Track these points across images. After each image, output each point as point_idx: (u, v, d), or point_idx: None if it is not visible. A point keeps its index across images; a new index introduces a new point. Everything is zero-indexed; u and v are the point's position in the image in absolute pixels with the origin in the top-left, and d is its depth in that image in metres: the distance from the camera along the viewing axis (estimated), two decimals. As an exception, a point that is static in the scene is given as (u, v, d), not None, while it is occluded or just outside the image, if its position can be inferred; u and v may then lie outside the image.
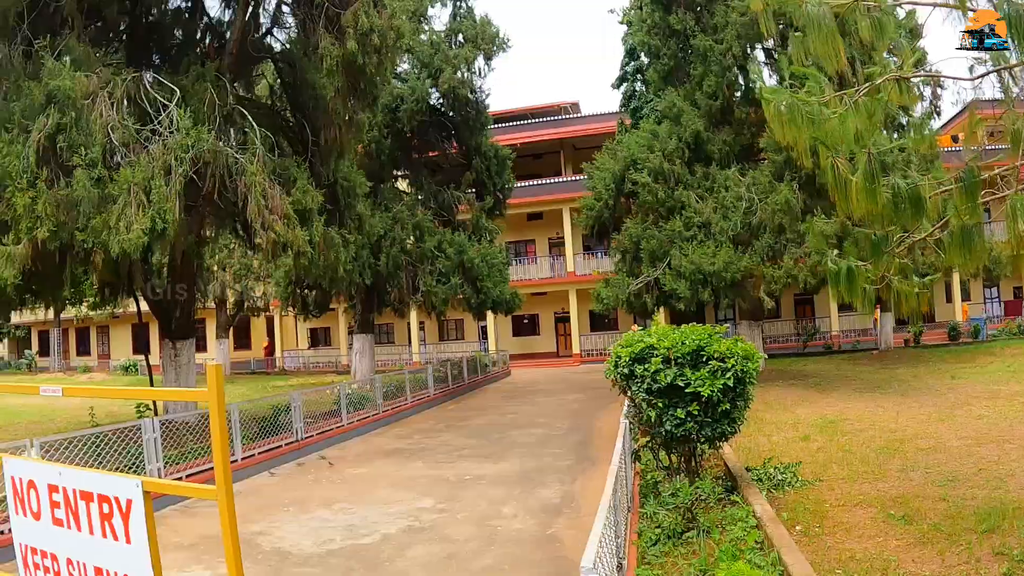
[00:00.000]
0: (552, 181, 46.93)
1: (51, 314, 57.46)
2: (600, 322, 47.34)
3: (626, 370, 10.31)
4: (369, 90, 18.75)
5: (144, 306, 20.40)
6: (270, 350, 54.89)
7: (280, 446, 17.06)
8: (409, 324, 48.69)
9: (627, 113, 42.46)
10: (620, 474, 7.94)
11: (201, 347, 53.69)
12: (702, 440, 10.27)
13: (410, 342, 49.72)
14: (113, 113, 13.57)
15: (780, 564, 7.61)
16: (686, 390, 9.73)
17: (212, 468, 10.36)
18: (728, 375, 9.66)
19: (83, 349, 61.99)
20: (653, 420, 10.05)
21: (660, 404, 9.91)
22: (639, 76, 42.27)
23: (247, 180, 14.23)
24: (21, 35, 14.43)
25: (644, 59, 38.67)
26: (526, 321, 49.72)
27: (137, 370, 49.47)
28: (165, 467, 13.51)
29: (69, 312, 56.83)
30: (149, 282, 17.00)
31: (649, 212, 28.38)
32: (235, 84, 17.33)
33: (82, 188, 12.64)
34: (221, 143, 14.34)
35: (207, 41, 19.71)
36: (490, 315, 40.86)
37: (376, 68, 17.25)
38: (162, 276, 19.27)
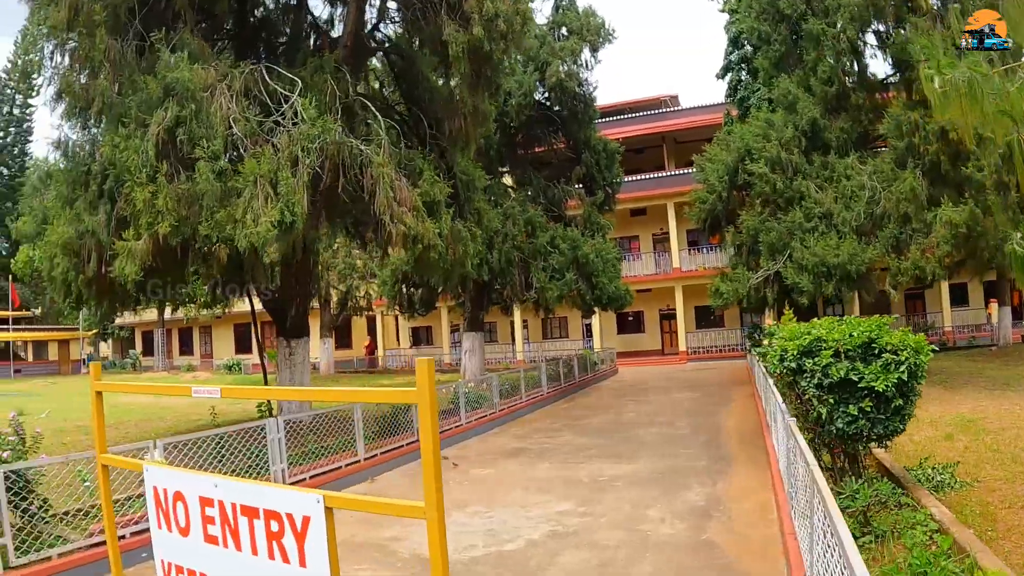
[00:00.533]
0: (655, 176, 46.19)
1: (155, 315, 58.75)
2: (706, 319, 46.51)
3: (794, 364, 9.66)
4: (494, 78, 18.31)
5: (257, 305, 20.42)
6: (371, 349, 55.13)
7: (401, 446, 16.68)
8: (513, 322, 48.47)
9: (733, 103, 41.52)
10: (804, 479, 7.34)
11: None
12: (873, 438, 9.61)
13: (513, 340, 49.51)
14: (232, 105, 13.37)
15: (979, 570, 6.98)
16: (859, 384, 9.08)
17: (336, 469, 10.09)
18: (902, 368, 8.99)
19: (185, 349, 63.16)
20: (823, 417, 9.41)
21: (831, 400, 9.28)
22: (743, 65, 41.34)
23: (374, 172, 13.90)
24: (133, 31, 14.36)
25: (748, 47, 37.90)
26: (631, 318, 48.99)
27: (240, 369, 50.06)
28: (288, 468, 13.23)
29: (175, 312, 58.02)
30: (266, 279, 16.72)
31: (766, 203, 27.60)
32: (350, 77, 17.07)
33: (205, 181, 12.46)
34: (344, 134, 14.06)
35: (312, 37, 19.53)
36: (597, 313, 40.38)
37: (503, 54, 16.85)
38: (274, 273, 19.26)
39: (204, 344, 62.47)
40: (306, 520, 3.21)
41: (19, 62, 79.33)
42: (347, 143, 13.92)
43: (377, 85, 21.49)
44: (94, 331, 68.23)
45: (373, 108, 15.38)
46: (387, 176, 13.95)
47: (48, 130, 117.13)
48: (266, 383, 20.82)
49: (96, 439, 4.72)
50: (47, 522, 9.36)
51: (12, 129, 79.02)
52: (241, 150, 13.02)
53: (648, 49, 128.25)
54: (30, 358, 64.61)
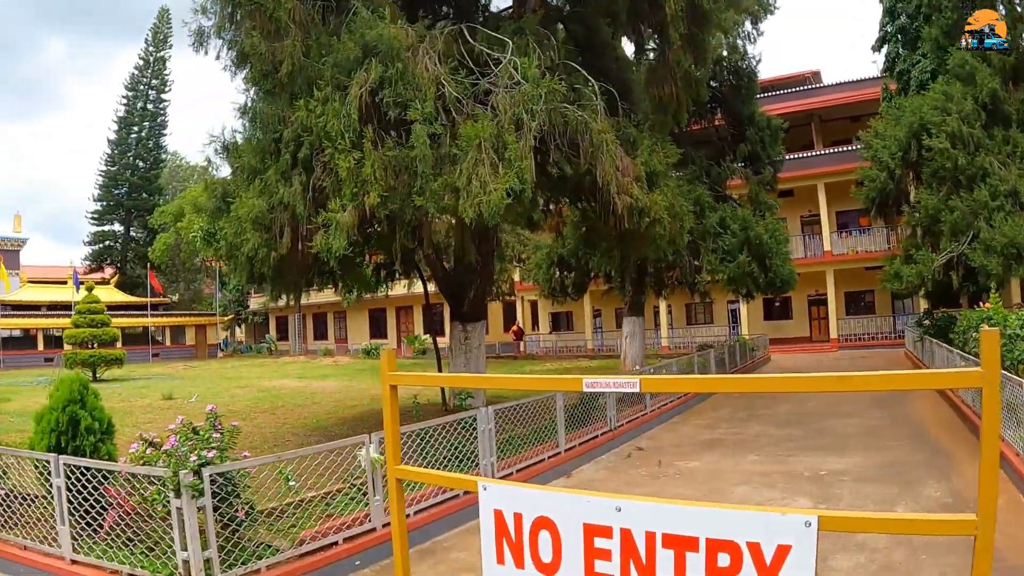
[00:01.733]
0: (804, 155, 43.42)
1: (287, 299, 58.43)
2: (856, 305, 43.94)
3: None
4: (705, 41, 16.41)
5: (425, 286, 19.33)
6: (519, 334, 53.77)
7: (596, 435, 15.29)
8: (657, 307, 46.67)
9: (890, 77, 38.78)
10: None
11: (440, 331, 53.25)
12: None
13: (657, 326, 47.66)
14: (437, 66, 11.83)
15: None
16: None
17: (539, 462, 8.83)
18: None
19: (319, 333, 62.94)
20: None
21: None
22: (899, 36, 38.57)
23: (594, 138, 12.20)
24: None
25: (905, 18, 35.30)
26: (777, 304, 46.43)
27: (378, 354, 49.24)
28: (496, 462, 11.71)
29: (316, 296, 57.59)
30: (472, 254, 15.29)
31: (944, 181, 25.23)
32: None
33: (422, 146, 10.92)
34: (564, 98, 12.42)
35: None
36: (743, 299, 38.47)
37: (724, 12, 15.04)
38: (448, 251, 17.90)
39: (338, 329, 62.23)
40: (782, 551, 2.42)
41: (151, 59, 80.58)
42: (565, 107, 12.23)
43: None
44: (230, 316, 68.79)
45: (584, 71, 13.62)
46: (608, 143, 12.26)
47: (176, 121, 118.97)
48: (440, 370, 19.47)
49: (389, 451, 4.13)
50: (250, 528, 8.01)
51: (147, 124, 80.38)
52: (453, 114, 11.47)
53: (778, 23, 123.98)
54: (167, 342, 65.22)
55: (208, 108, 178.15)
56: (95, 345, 38.65)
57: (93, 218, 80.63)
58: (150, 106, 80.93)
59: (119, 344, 40.16)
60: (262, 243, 11.49)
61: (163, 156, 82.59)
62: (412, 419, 16.92)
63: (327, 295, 57.91)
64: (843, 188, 41.06)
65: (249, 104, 13.23)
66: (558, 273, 29.79)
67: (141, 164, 79.78)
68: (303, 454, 8.72)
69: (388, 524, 8.91)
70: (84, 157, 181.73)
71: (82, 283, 56.36)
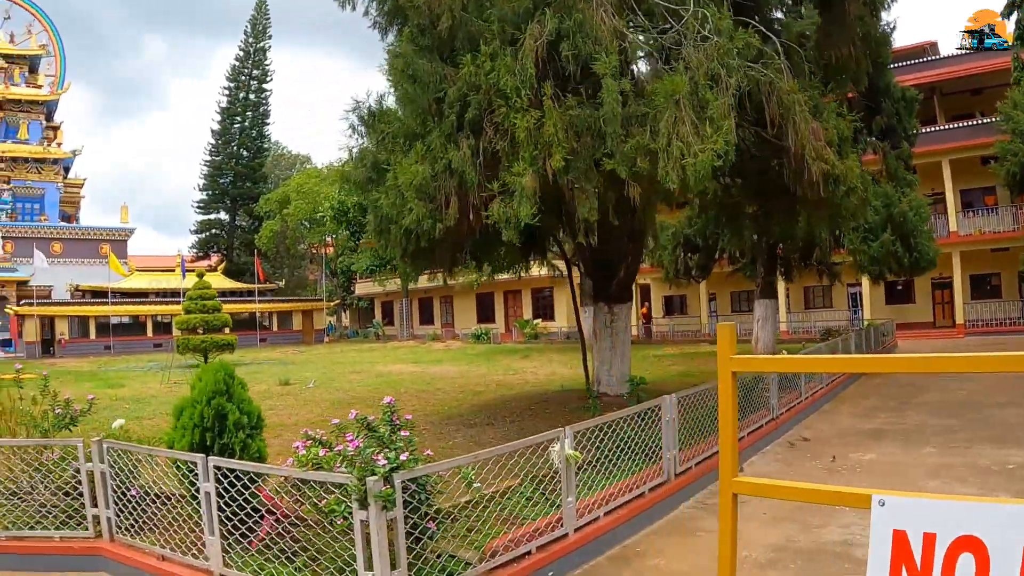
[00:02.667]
0: (930, 131, 40.76)
1: (396, 284, 58.12)
2: (982, 289, 41.57)
3: None
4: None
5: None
6: (648, 316, 52.43)
7: (760, 425, 13.95)
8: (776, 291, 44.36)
9: (1021, 46, 36.40)
10: None
11: (549, 316, 52.19)
12: None
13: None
14: (614, 19, 10.56)
15: None
16: None
17: (713, 455, 6.47)
18: None
19: (425, 318, 62.26)
20: None
21: None
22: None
23: (784, 99, 10.89)
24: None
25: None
26: (899, 288, 44.04)
27: (489, 338, 48.51)
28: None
29: (423, 281, 57.08)
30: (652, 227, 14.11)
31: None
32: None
33: (611, 102, 9.70)
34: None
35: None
36: (865, 281, 36.55)
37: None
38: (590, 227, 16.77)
39: (445, 314, 61.52)
40: None
41: (251, 50, 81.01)
42: (750, 65, 10.90)
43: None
44: (335, 301, 68.64)
45: (763, 28, 12.24)
46: (799, 105, 10.93)
47: (275, 113, 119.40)
48: (585, 354, 18.28)
49: (726, 458, 3.43)
50: (431, 537, 6.76)
51: (249, 113, 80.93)
52: (639, 69, 10.28)
53: None
54: (274, 328, 65.16)
55: (307, 100, 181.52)
56: (205, 331, 38.61)
57: (199, 207, 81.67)
58: (252, 96, 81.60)
59: (227, 330, 39.70)
60: (426, 214, 10.40)
61: (266, 145, 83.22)
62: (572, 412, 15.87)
63: (427, 279, 57.56)
64: (969, 165, 38.77)
65: (402, 64, 12.10)
66: (683, 254, 28.49)
67: (245, 153, 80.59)
68: (498, 453, 7.47)
69: (581, 529, 8.02)
70: (184, 151, 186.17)
71: (190, 270, 56.92)
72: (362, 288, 69.81)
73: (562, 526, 7.80)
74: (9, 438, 9.14)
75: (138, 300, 62.18)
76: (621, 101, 9.84)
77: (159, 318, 61.58)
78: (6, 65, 73.96)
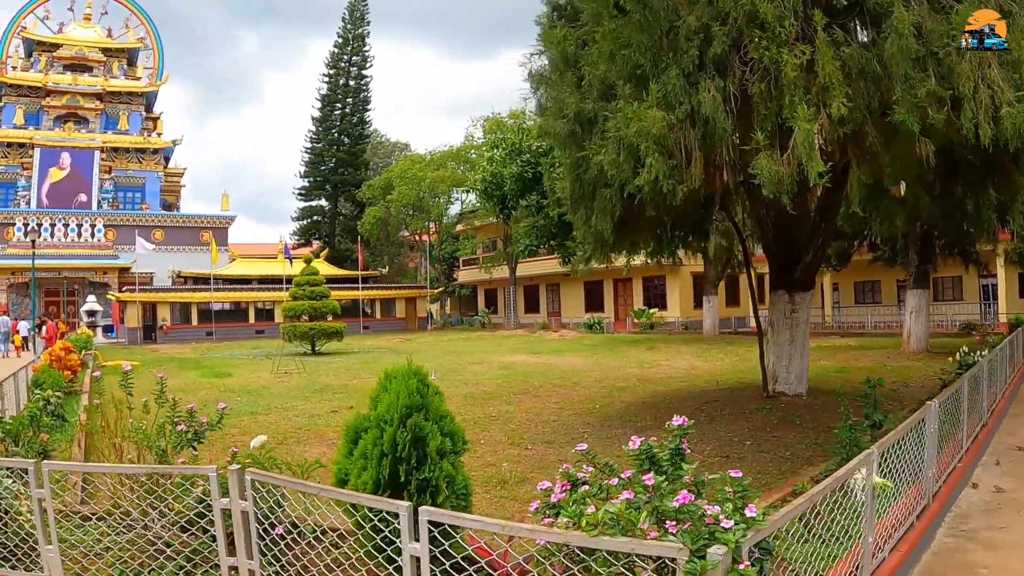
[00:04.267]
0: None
1: (498, 272, 56.62)
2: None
3: None
4: None
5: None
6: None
7: (976, 433, 11.54)
8: (902, 282, 41.42)
9: None
10: None
11: (661, 305, 49.90)
12: None
13: (901, 301, 42.51)
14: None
15: None
16: None
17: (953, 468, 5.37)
18: None
19: (531, 306, 60.50)
20: None
21: None
22: None
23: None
24: None
25: None
26: (1041, 280, 40.60)
27: (601, 328, 46.49)
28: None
29: (527, 268, 55.58)
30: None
31: None
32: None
33: (906, 36, 7.68)
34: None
35: None
36: (1001, 272, 34.41)
37: None
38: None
39: (551, 302, 59.76)
40: None
41: (349, 36, 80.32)
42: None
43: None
44: (439, 289, 67.40)
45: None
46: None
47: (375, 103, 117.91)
48: (761, 347, 16.26)
49: None
50: None
51: (350, 100, 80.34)
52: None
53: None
54: (377, 315, 64.10)
55: (400, 90, 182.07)
56: (311, 318, 37.76)
57: (300, 194, 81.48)
58: (352, 83, 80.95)
59: (329, 317, 38.38)
60: (666, 172, 8.24)
61: (367, 131, 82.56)
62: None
63: (541, 266, 56.02)
64: None
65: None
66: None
67: (346, 140, 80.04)
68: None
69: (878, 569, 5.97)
70: (280, 142, 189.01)
71: (295, 257, 56.21)
72: (465, 275, 68.80)
73: (859, 572, 5.73)
74: (116, 463, 7.23)
75: (240, 287, 61.90)
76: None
77: (261, 305, 61.27)
78: (105, 59, 75.40)
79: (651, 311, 47.35)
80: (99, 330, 56.27)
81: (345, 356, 34.54)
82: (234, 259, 66.30)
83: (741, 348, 28.84)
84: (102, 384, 18.39)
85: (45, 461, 3.62)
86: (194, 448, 6.93)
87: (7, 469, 6.33)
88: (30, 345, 43.40)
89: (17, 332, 43.14)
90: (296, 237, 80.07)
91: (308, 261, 40.98)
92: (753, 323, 43.92)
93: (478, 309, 66.95)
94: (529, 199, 41.48)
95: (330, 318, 38.35)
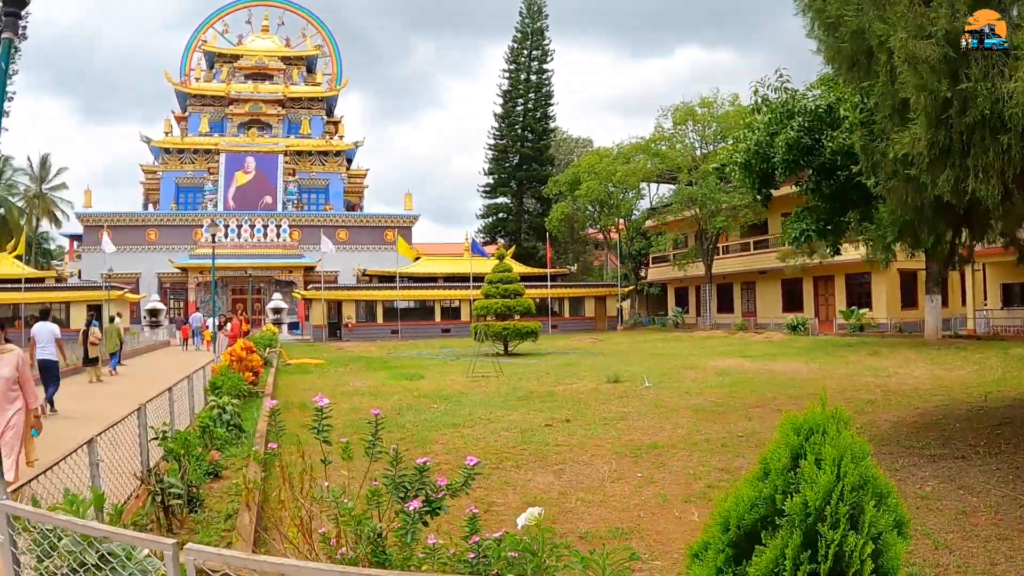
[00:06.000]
0: None
1: (691, 270, 54.99)
2: None
3: None
4: None
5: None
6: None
7: None
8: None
9: None
10: None
11: (865, 304, 46.84)
12: None
13: None
14: None
15: None
16: None
17: None
18: None
19: (723, 306, 58.39)
20: None
21: None
22: None
23: None
24: None
25: None
26: None
27: (806, 329, 43.97)
28: None
29: (722, 264, 53.63)
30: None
31: None
32: None
33: None
34: None
35: None
36: None
37: None
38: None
39: (746, 301, 57.54)
40: None
41: (528, 31, 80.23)
42: None
43: None
44: (629, 287, 66.18)
45: None
46: None
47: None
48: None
49: None
50: None
51: (532, 95, 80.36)
52: None
53: None
54: (566, 314, 63.57)
55: (577, 89, 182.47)
56: (499, 317, 37.31)
57: (485, 191, 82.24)
58: (533, 77, 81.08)
59: (517, 317, 37.47)
60: None
61: (551, 126, 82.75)
62: None
63: (739, 263, 54.08)
64: None
65: None
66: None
67: (529, 136, 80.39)
68: None
69: None
70: (460, 145, 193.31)
71: (492, 255, 56.21)
72: (654, 273, 67.29)
73: None
74: (302, 553, 5.05)
75: (425, 285, 62.45)
76: None
77: (447, 303, 61.64)
78: (284, 67, 78.75)
79: (861, 311, 44.47)
80: (284, 327, 58.27)
81: (539, 358, 33.63)
82: (419, 257, 67.02)
83: (975, 354, 26.19)
84: (280, 419, 16.28)
85: (189, 547, 2.58)
86: (424, 523, 4.63)
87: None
88: (201, 343, 46.88)
89: (207, 328, 45.95)
90: (481, 235, 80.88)
91: (501, 258, 40.27)
92: (971, 325, 40.97)
93: (668, 308, 65.21)
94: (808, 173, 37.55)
95: (517, 317, 37.48)
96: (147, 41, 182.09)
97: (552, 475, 10.46)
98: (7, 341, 9.27)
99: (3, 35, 4.97)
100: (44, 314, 19.70)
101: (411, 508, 4.50)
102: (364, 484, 4.98)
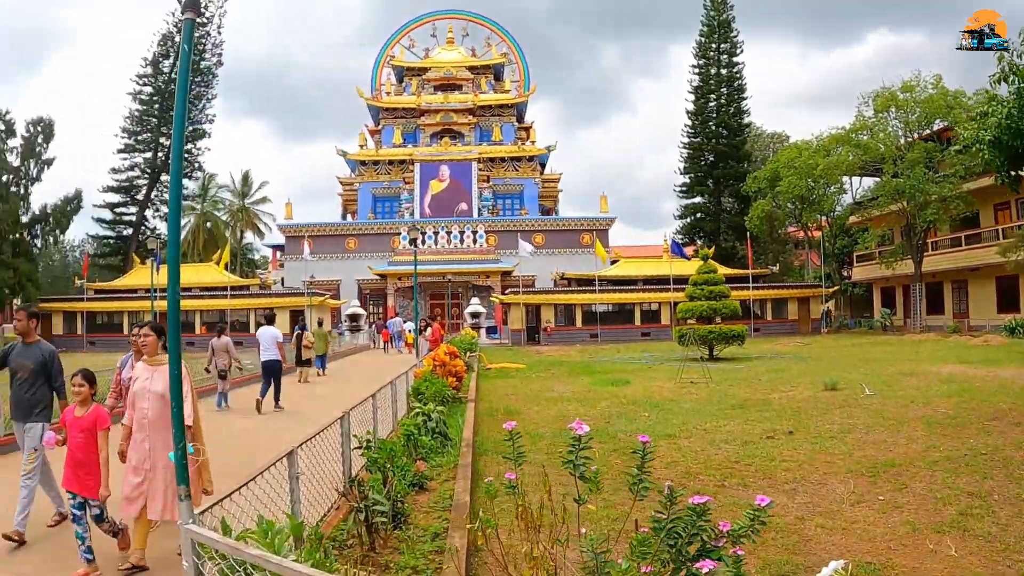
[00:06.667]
0: None
1: (900, 268, 53.29)
2: None
3: None
4: None
5: None
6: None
7: None
8: None
9: None
10: None
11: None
12: None
13: None
14: None
15: None
16: None
17: None
18: None
19: (934, 306, 56.04)
20: None
21: None
22: None
23: None
24: None
25: None
26: None
27: (1024, 332, 41.23)
28: None
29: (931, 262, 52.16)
30: None
31: None
32: None
33: None
34: None
35: None
36: None
37: None
38: None
39: (958, 302, 55.13)
40: None
41: (714, 23, 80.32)
42: None
43: None
44: (833, 288, 64.45)
45: None
46: None
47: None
48: None
49: None
50: None
51: (723, 89, 79.99)
52: None
53: None
54: (768, 317, 62.65)
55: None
56: (706, 320, 36.65)
57: (681, 191, 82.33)
58: (723, 71, 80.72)
59: (718, 320, 36.92)
60: None
61: (744, 121, 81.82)
62: None
63: (949, 259, 51.88)
64: None
65: None
66: None
67: (724, 132, 79.75)
68: None
69: None
70: (649, 146, 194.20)
71: (691, 256, 56.05)
72: (859, 272, 65.41)
73: None
74: None
75: (624, 288, 62.72)
76: None
77: (646, 306, 61.64)
78: (472, 76, 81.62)
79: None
80: (483, 331, 59.52)
81: (746, 363, 32.97)
82: (616, 260, 67.57)
83: None
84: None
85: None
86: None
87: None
88: (402, 346, 49.06)
89: (407, 332, 49.13)
90: (679, 236, 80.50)
91: (705, 258, 39.78)
92: None
93: (873, 310, 63.34)
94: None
95: (718, 320, 37.02)
96: (335, 62, 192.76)
97: (784, 495, 9.68)
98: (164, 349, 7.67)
99: (185, 15, 4.90)
100: (269, 319, 21.63)
101: (704, 570, 3.60)
102: (612, 523, 4.35)
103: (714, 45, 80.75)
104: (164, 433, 7.13)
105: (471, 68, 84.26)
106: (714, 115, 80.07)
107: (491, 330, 64.98)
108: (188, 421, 6.77)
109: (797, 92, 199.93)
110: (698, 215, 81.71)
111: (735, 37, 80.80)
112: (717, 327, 35.79)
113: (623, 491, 8.14)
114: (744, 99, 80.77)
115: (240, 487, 5.24)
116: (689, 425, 15.17)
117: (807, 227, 64.96)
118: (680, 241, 75.53)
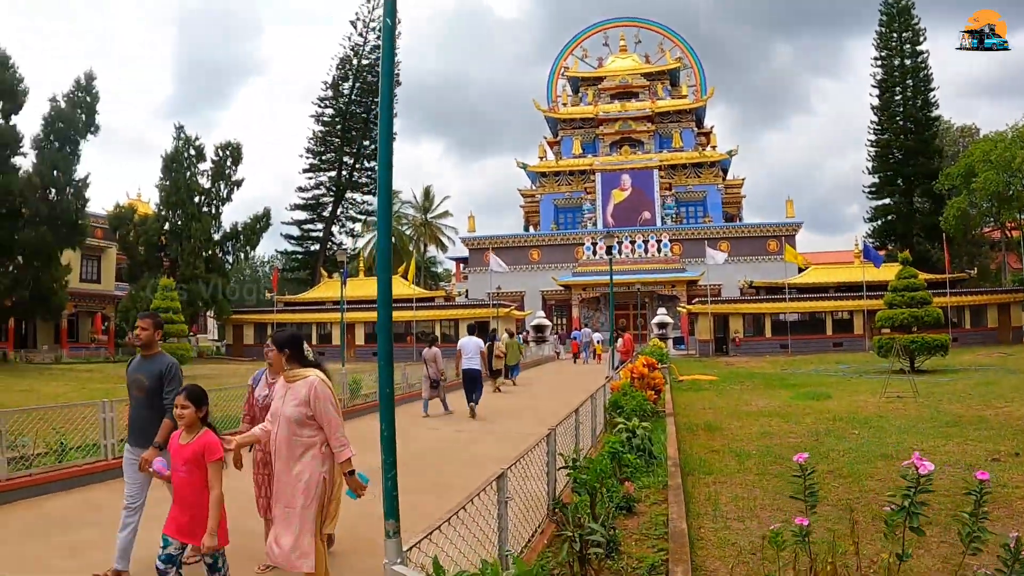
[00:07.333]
0: None
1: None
2: None
3: None
4: None
5: None
6: None
7: None
8: None
9: None
10: None
11: None
12: None
13: None
14: None
15: None
16: None
17: None
18: None
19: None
20: None
21: None
22: None
23: None
24: None
25: None
26: None
27: None
28: None
29: None
30: None
31: None
32: None
33: None
34: None
35: None
36: None
37: None
38: None
39: None
40: None
41: (893, 12, 78.21)
42: None
43: None
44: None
45: None
46: None
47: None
48: None
49: None
50: None
51: (909, 81, 77.62)
52: None
53: None
54: (966, 324, 59.46)
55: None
56: (905, 329, 35.26)
57: (870, 192, 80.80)
58: (907, 62, 78.48)
59: (914, 329, 35.39)
60: None
61: (933, 114, 78.50)
62: None
63: None
64: None
65: None
66: None
67: (911, 126, 77.49)
68: None
69: None
70: (830, 148, 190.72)
71: (885, 260, 54.29)
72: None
73: None
74: None
75: (814, 296, 61.81)
76: None
77: (838, 315, 59.97)
78: (648, 83, 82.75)
79: None
80: (670, 342, 59.00)
81: (951, 375, 31.68)
82: (806, 267, 66.83)
83: None
84: (684, 452, 13.67)
85: None
86: None
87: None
88: (590, 357, 49.51)
89: (596, 342, 50.40)
90: (870, 240, 78.12)
91: (905, 262, 38.13)
92: None
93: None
94: None
95: (914, 329, 35.71)
96: (509, 77, 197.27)
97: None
98: (305, 364, 6.25)
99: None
100: (471, 329, 23.23)
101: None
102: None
103: (895, 35, 78.77)
104: (287, 463, 5.93)
105: (646, 75, 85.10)
106: (901, 109, 77.93)
107: (678, 341, 64.75)
108: (346, 454, 5.91)
109: (979, 79, 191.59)
110: (889, 216, 79.24)
111: (916, 24, 78.50)
112: (919, 336, 34.40)
113: (876, 523, 7.76)
114: (931, 90, 77.91)
115: (448, 517, 4.84)
116: (904, 445, 13.94)
117: (1005, 226, 62.31)
118: (873, 245, 73.41)
